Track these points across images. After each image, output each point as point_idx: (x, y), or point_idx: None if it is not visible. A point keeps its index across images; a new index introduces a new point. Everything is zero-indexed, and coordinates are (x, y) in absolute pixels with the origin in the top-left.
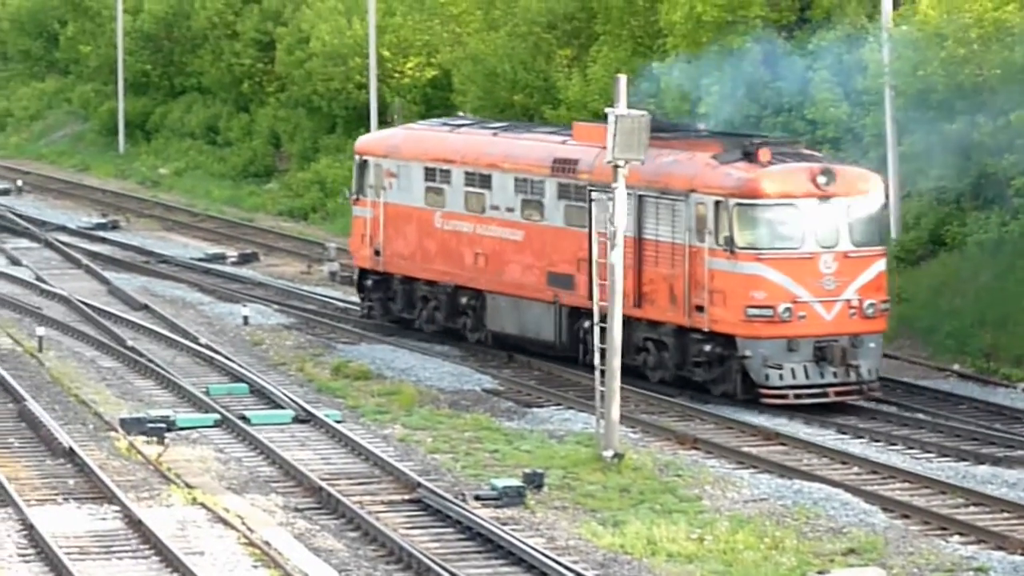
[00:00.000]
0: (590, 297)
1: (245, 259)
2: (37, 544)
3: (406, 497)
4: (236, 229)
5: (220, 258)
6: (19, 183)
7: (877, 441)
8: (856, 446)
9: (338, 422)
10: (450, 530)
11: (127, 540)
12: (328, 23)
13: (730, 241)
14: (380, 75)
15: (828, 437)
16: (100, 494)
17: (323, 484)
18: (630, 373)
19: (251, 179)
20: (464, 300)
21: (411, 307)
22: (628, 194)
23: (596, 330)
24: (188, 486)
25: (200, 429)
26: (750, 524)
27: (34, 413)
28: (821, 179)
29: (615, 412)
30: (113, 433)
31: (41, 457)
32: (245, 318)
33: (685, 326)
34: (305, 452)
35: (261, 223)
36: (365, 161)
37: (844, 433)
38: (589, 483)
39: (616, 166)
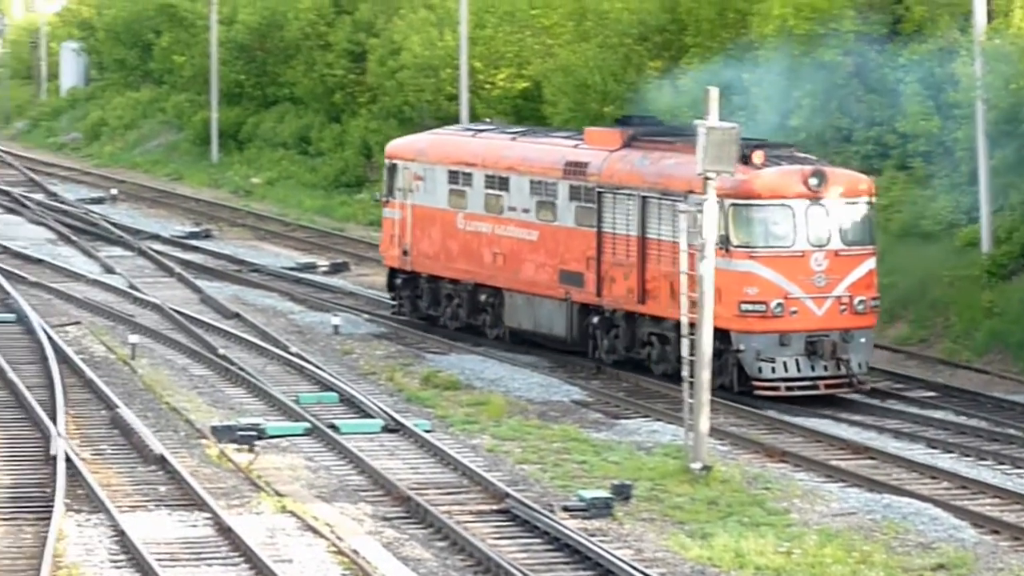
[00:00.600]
0: (598, 294)
1: (336, 269)
2: (128, 550)
3: (494, 507)
4: (327, 239)
5: (311, 267)
6: (113, 192)
7: (967, 456)
8: (946, 461)
9: (427, 432)
10: (538, 541)
11: (217, 547)
12: (420, 35)
13: (725, 240)
14: (471, 86)
15: (917, 452)
16: (191, 501)
17: (412, 493)
18: (636, 367)
19: (342, 189)
20: (483, 297)
21: (437, 304)
22: (630, 195)
23: (684, 342)
24: (278, 494)
25: (290, 437)
26: (838, 538)
27: (126, 420)
28: (812, 181)
29: (704, 424)
30: (204, 441)
31: (133, 464)
32: (335, 327)
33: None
34: (394, 461)
35: (352, 233)
36: (394, 165)
37: (934, 448)
38: (677, 495)
39: (707, 178)
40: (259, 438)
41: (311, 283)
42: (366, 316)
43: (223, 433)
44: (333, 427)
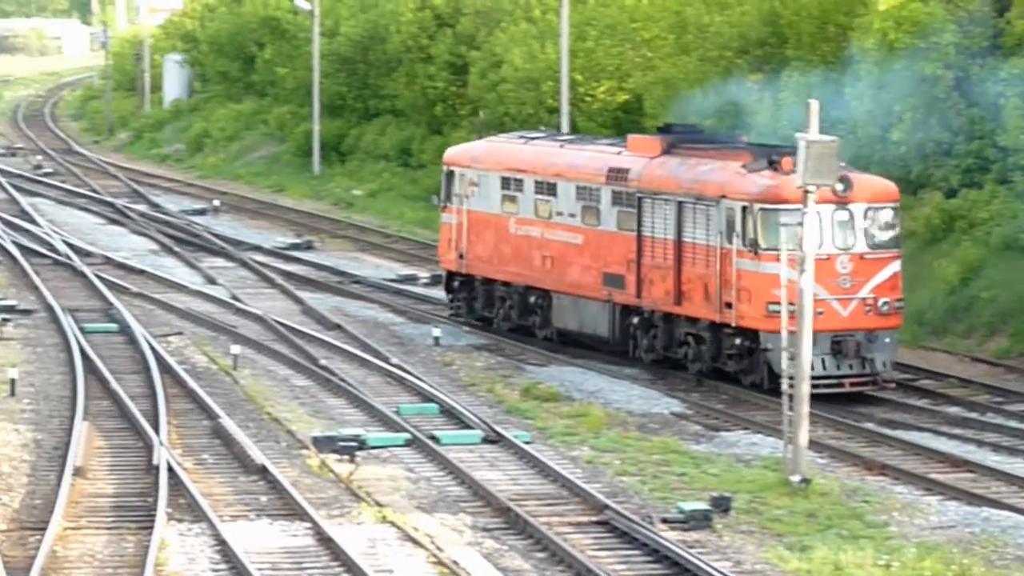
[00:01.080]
0: (638, 295)
1: (437, 280)
2: (230, 559)
3: (593, 519)
4: (428, 250)
5: (412, 279)
6: (216, 203)
7: None
8: None
9: (527, 443)
10: (637, 552)
11: (318, 557)
12: (521, 47)
13: (754, 243)
14: (571, 99)
15: (1017, 465)
16: (292, 511)
17: (511, 504)
18: (674, 365)
19: None
20: (533, 299)
21: (491, 306)
22: (668, 200)
23: (784, 356)
24: (378, 504)
25: (391, 448)
26: (937, 551)
27: (228, 430)
28: (839, 186)
29: (803, 437)
30: (305, 451)
31: (234, 474)
32: (436, 339)
33: (717, 321)
34: (494, 472)
35: None
36: (451, 171)
37: None
38: (776, 508)
39: (806, 191)
40: (360, 449)
41: (412, 295)
42: (466, 328)
43: (324, 443)
44: (433, 438)
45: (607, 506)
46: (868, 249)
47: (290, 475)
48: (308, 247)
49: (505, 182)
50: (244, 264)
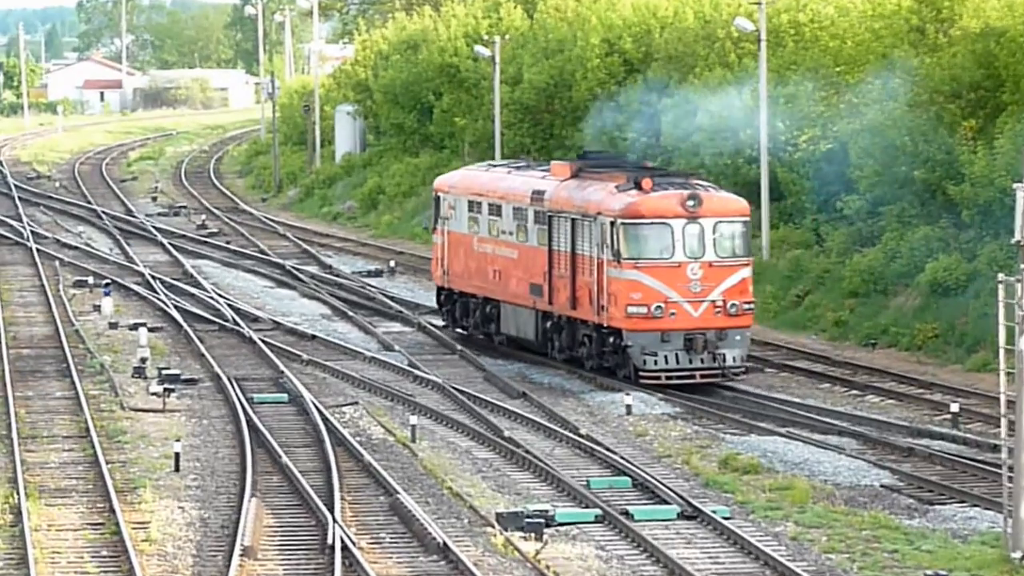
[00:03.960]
0: (550, 302)
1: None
2: None
3: None
4: None
5: None
6: (392, 264)
7: None
8: None
9: (726, 518)
10: None
11: None
12: (716, 94)
13: (617, 253)
14: (771, 148)
15: None
16: None
17: None
18: (577, 363)
19: None
20: (489, 308)
21: (467, 316)
22: (564, 218)
23: (1003, 423)
24: None
25: (580, 524)
26: None
27: (406, 506)
28: (689, 203)
29: None
30: (489, 528)
31: (413, 553)
32: (628, 407)
33: (595, 322)
34: (691, 550)
35: None
36: (438, 196)
37: None
38: None
39: (1021, 246)
40: (547, 525)
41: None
42: (659, 395)
43: (509, 520)
44: (626, 513)
45: None
46: (716, 257)
47: (472, 554)
48: None
49: (470, 205)
50: (422, 329)
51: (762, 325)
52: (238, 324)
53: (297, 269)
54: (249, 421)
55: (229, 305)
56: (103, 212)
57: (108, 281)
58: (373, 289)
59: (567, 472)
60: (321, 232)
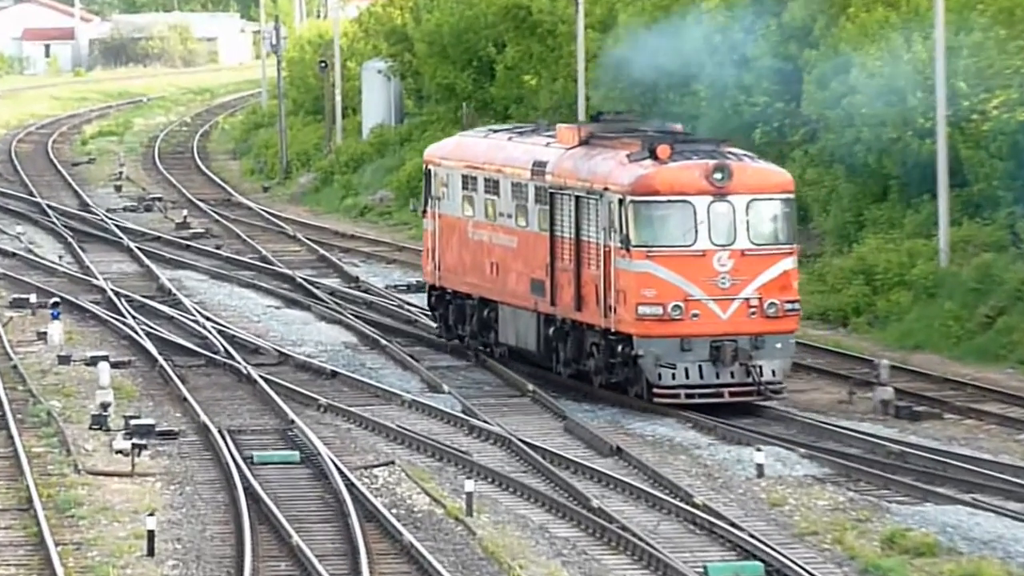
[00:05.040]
0: (552, 302)
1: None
2: None
3: None
4: None
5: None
6: None
7: None
8: None
9: None
10: None
11: None
12: (877, 43)
13: (626, 239)
14: (951, 118)
15: None
16: None
17: None
18: (584, 378)
19: None
20: (486, 312)
21: (462, 321)
22: (568, 195)
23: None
24: None
25: None
26: None
27: None
28: (716, 176)
29: None
30: None
31: None
32: (759, 467)
33: (602, 327)
34: None
35: None
36: (429, 170)
37: None
38: None
39: None
40: None
41: (722, 404)
42: (802, 451)
43: None
44: None
45: None
46: (751, 245)
47: None
48: None
49: (464, 181)
50: (481, 364)
51: (939, 355)
52: (232, 357)
53: (312, 283)
54: (247, 488)
55: (220, 332)
56: (50, 206)
57: (57, 300)
58: (413, 309)
59: (678, 555)
60: (344, 233)
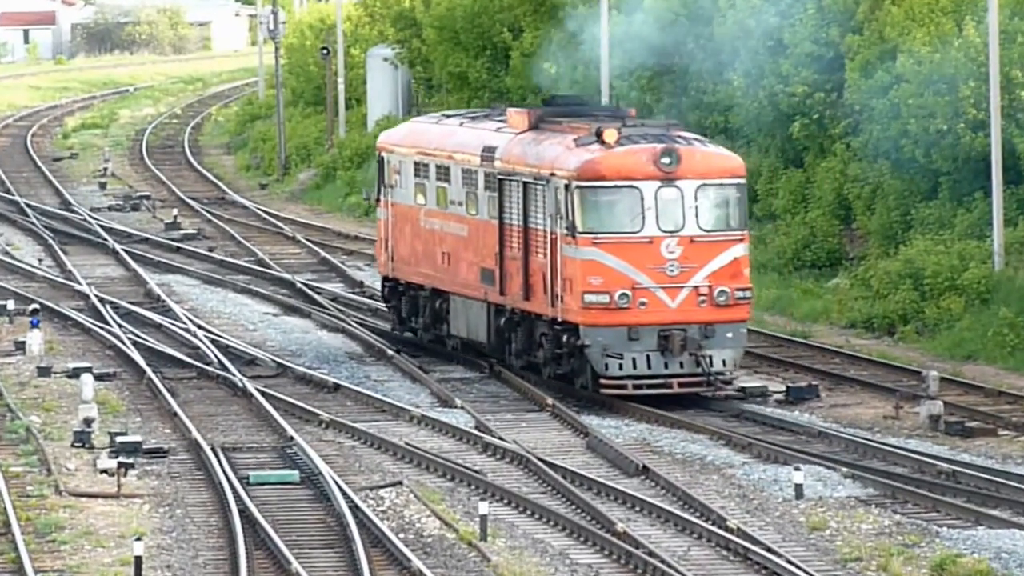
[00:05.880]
0: (502, 292)
1: (799, 396)
2: None
3: None
4: (785, 350)
5: (760, 394)
6: None
7: None
8: None
9: None
10: None
11: None
12: (925, 28)
13: (572, 226)
14: (1006, 108)
15: None
16: None
17: None
18: (534, 370)
19: (806, 271)
20: (439, 303)
21: (415, 313)
22: (516, 181)
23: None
24: None
25: None
26: None
27: None
28: (664, 160)
29: None
30: None
31: None
32: (798, 488)
33: (550, 316)
34: None
35: (822, 339)
36: (382, 158)
37: None
38: None
39: None
40: None
41: (759, 418)
42: (845, 470)
43: None
44: None
45: None
46: (701, 231)
47: None
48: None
49: (416, 168)
50: (496, 375)
51: (993, 366)
52: (226, 369)
53: (313, 288)
54: (243, 511)
55: (213, 341)
56: (29, 205)
57: (36, 307)
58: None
59: None
60: (347, 233)
